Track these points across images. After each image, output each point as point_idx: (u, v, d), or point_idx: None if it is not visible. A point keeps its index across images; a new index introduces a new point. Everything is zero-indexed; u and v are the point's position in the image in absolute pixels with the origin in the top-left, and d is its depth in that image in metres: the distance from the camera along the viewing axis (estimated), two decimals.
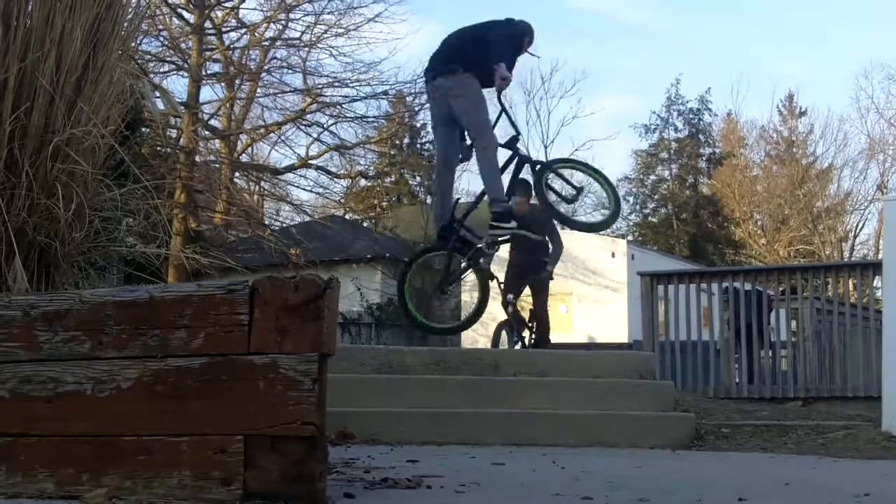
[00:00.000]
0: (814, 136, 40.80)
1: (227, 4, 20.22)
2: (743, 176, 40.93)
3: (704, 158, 42.14)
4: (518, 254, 8.37)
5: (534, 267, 8.25)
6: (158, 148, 15.13)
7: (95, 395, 2.37)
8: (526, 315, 8.63)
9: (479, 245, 6.24)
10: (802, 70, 58.42)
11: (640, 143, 42.67)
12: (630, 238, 36.78)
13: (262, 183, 22.84)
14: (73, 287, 2.95)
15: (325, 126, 21.22)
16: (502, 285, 8.28)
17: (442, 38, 6.36)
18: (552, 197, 6.27)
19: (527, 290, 8.57)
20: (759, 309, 8.85)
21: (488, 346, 9.74)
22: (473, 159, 6.22)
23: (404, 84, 21.38)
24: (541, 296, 8.48)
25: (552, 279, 8.40)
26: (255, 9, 25.34)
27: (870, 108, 41.45)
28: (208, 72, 20.82)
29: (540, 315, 8.43)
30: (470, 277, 8.23)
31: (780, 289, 9.21)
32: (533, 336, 8.42)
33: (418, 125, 31.62)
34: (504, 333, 8.59)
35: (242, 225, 21.14)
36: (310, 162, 21.58)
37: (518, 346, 8.28)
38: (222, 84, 21.41)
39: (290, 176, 22.19)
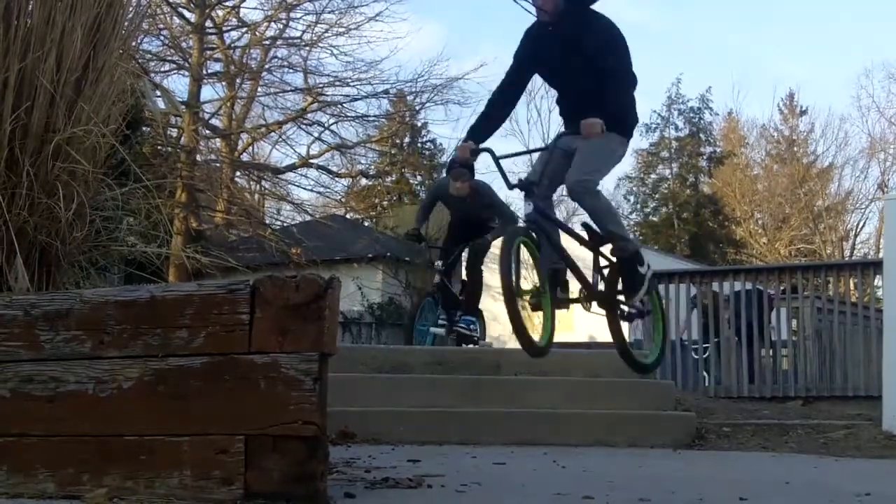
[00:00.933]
0: (815, 135, 40.73)
1: (228, 3, 20.22)
2: (744, 175, 40.84)
3: (705, 157, 42.09)
4: (459, 215, 7.84)
5: (478, 229, 7.65)
6: (159, 147, 15.12)
7: (97, 395, 2.37)
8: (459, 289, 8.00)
9: None
10: (803, 69, 58.37)
11: (640, 141, 42.57)
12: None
13: (263, 182, 22.83)
14: (74, 287, 2.95)
15: (325, 125, 21.23)
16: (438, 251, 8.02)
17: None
18: None
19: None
20: (759, 308, 8.85)
21: (494, 346, 9.34)
22: None
23: (405, 83, 21.40)
24: (479, 259, 7.85)
25: (489, 248, 7.92)
26: (255, 8, 25.44)
27: (870, 107, 41.34)
28: (209, 71, 20.82)
29: (475, 280, 7.85)
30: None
31: (781, 288, 9.20)
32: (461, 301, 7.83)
33: (419, 124, 31.65)
34: (424, 307, 7.90)
35: (243, 224, 21.13)
36: (311, 161, 21.57)
37: (443, 331, 7.68)
38: (223, 83, 21.40)
39: (290, 175, 22.18)
